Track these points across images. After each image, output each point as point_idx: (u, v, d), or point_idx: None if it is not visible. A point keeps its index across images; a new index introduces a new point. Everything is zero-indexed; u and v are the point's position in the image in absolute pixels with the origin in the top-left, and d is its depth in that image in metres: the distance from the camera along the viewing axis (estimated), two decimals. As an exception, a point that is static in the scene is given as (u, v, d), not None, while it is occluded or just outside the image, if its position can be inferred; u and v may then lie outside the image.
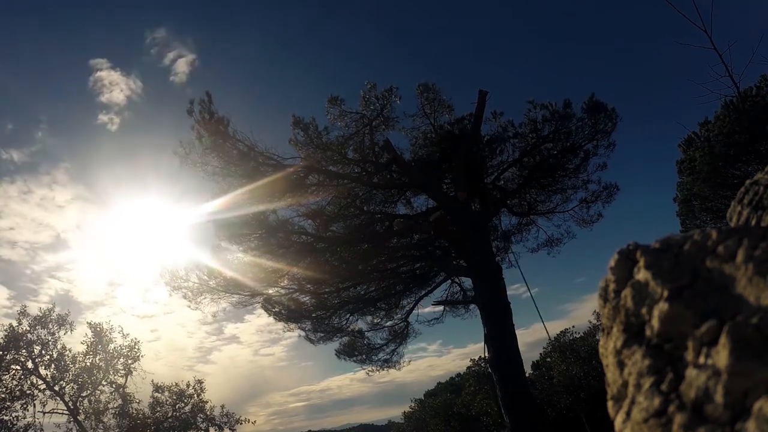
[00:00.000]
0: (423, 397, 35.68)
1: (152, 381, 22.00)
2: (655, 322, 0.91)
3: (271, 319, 14.27)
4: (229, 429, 22.15)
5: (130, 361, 21.38)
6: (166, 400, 21.91)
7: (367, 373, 16.42)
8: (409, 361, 16.92)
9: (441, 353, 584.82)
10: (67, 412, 19.75)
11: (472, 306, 15.54)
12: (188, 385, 22.14)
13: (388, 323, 15.96)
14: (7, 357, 18.66)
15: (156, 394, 21.90)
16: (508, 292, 12.53)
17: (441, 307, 16.52)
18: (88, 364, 20.61)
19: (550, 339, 26.69)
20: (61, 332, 20.31)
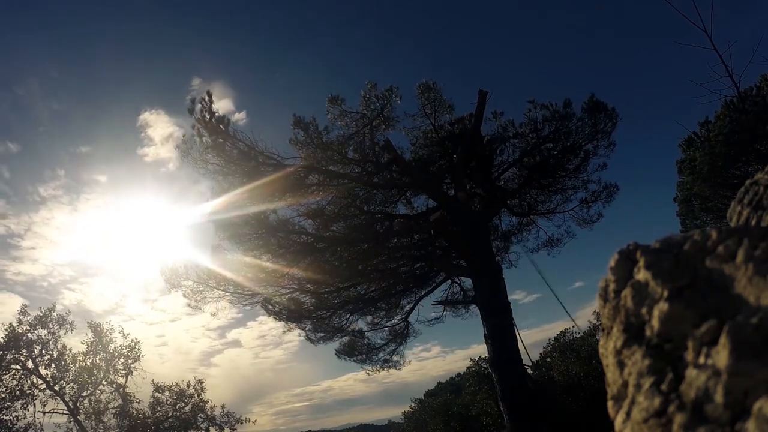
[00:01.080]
0: (423, 397, 35.64)
1: (152, 381, 21.91)
2: (655, 322, 0.92)
3: (273, 324, 14.27)
4: (230, 429, 22.09)
5: (130, 361, 21.25)
6: (167, 400, 21.76)
7: (367, 373, 16.41)
8: (410, 361, 16.91)
9: (446, 354, 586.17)
10: (67, 412, 19.64)
11: (472, 306, 15.53)
12: (188, 385, 21.99)
13: (388, 323, 15.96)
14: (8, 356, 18.56)
15: (156, 394, 21.77)
16: (509, 297, 12.52)
17: (441, 307, 16.50)
18: (89, 363, 20.52)
19: (576, 326, 26.45)
20: (62, 332, 20.24)
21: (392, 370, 16.59)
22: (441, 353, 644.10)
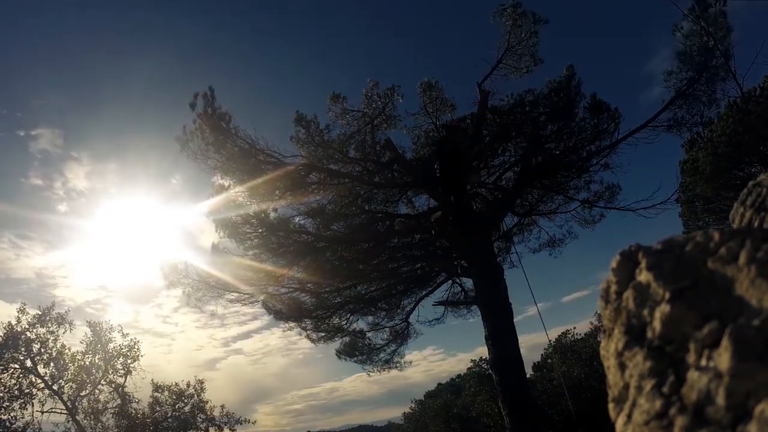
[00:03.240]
0: (423, 398, 35.56)
1: (152, 380, 21.77)
2: (657, 324, 0.91)
3: (279, 335, 14.23)
4: (229, 429, 21.92)
5: (129, 361, 21.09)
6: (166, 400, 21.58)
7: (368, 374, 16.36)
8: (410, 362, 16.85)
9: (455, 355, 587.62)
10: (65, 412, 19.49)
11: (473, 307, 15.47)
12: (188, 385, 21.80)
13: (389, 323, 15.91)
14: (6, 355, 18.41)
15: (155, 394, 21.61)
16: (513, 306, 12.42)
17: (442, 308, 16.43)
18: (87, 363, 20.39)
19: (550, 343, 26.55)
20: (60, 331, 20.05)
21: (399, 371, 16.56)
22: (450, 355, 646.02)
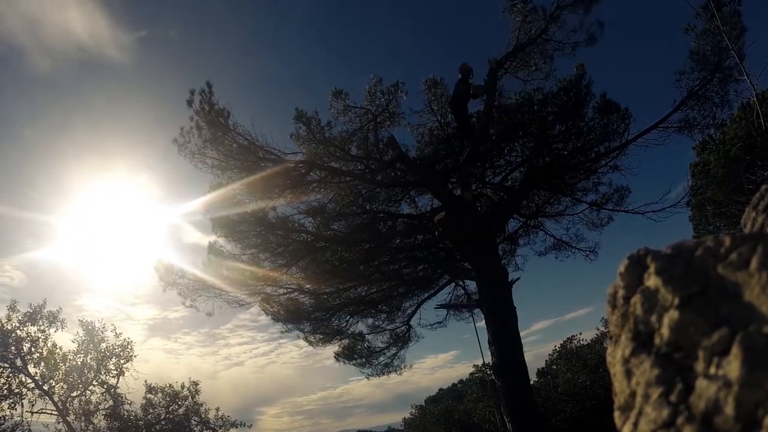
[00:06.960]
0: (424, 403, 35.30)
1: (145, 381, 21.59)
2: (665, 331, 0.93)
3: (282, 352, 14.07)
4: (224, 433, 21.64)
5: (122, 361, 20.85)
6: (159, 402, 21.46)
7: (367, 378, 16.16)
8: (411, 366, 16.62)
9: (467, 359, 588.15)
10: (56, 413, 19.35)
11: (476, 310, 15.19)
12: (183, 387, 21.66)
13: (390, 326, 15.72)
14: (-5, 353, 18.24)
15: (149, 396, 21.47)
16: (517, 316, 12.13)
17: (444, 311, 16.19)
18: (79, 363, 20.22)
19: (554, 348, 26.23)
20: (52, 330, 19.83)
21: (399, 375, 16.35)
22: (461, 361, 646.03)
